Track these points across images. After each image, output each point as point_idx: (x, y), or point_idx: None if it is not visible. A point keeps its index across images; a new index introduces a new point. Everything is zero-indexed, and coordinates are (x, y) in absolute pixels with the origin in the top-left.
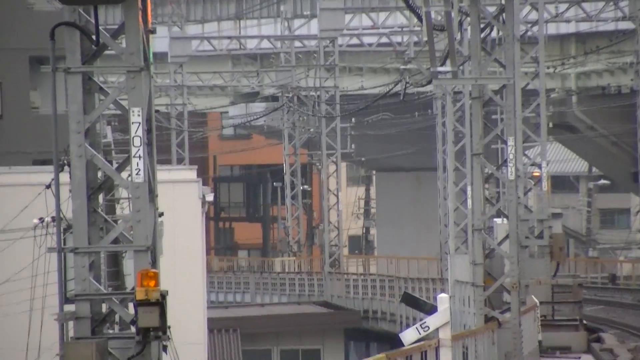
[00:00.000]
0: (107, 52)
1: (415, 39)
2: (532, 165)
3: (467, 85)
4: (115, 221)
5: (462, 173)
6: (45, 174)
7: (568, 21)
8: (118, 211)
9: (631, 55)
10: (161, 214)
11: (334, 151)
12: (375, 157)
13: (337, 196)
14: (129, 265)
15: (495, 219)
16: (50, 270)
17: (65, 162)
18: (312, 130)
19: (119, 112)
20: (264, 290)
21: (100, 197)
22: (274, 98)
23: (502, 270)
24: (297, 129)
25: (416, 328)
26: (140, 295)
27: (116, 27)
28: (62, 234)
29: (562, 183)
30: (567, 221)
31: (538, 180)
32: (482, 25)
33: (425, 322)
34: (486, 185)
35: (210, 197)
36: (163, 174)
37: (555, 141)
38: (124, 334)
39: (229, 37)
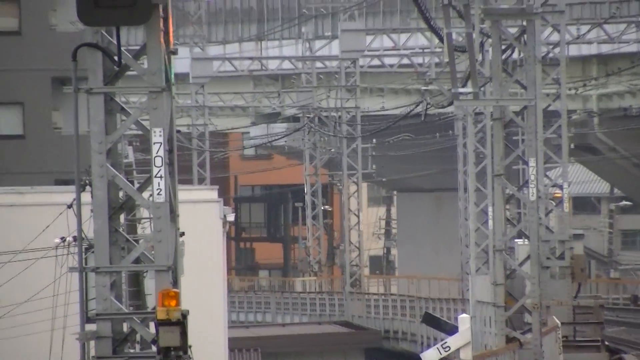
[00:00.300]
0: (129, 72)
1: (437, 60)
2: (553, 186)
3: (489, 107)
4: (137, 241)
5: (483, 194)
6: (67, 194)
7: (590, 42)
8: (139, 231)
9: None
10: (182, 234)
11: (355, 171)
12: (396, 178)
13: (357, 216)
14: (150, 285)
15: (516, 240)
16: (72, 289)
17: (87, 182)
18: (333, 150)
19: (140, 132)
20: (284, 310)
21: (122, 217)
22: (295, 118)
23: (523, 291)
24: (318, 149)
25: (437, 348)
26: (161, 315)
27: (138, 48)
28: (83, 254)
29: (583, 204)
30: (588, 242)
31: (559, 201)
32: (503, 47)
33: (446, 342)
34: (507, 206)
35: (231, 217)
36: (184, 194)
37: (577, 162)
38: (145, 354)
39: (251, 58)
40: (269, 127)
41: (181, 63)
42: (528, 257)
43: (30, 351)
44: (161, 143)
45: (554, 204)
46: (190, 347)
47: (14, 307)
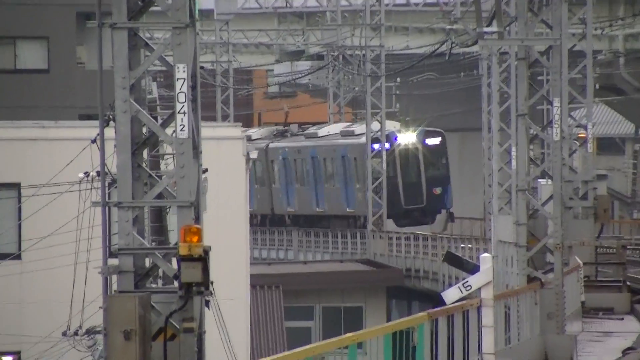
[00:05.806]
0: (153, 8)
1: None
2: (577, 126)
3: (513, 46)
4: (160, 177)
5: (507, 134)
6: (91, 129)
7: None
8: (162, 167)
9: None
10: (205, 170)
11: (379, 110)
12: (420, 117)
13: (381, 155)
14: (172, 221)
15: (539, 180)
16: (95, 224)
17: (110, 117)
18: (356, 89)
19: (164, 68)
20: (307, 247)
21: (145, 153)
22: (320, 57)
23: (545, 231)
24: (342, 87)
25: (458, 287)
26: (183, 251)
27: None
28: (106, 189)
29: (607, 145)
30: (612, 183)
31: (583, 141)
32: None
33: (467, 281)
34: (531, 146)
35: (254, 154)
36: (207, 130)
37: (602, 103)
38: (166, 289)
39: None
40: (293, 64)
41: None
42: (551, 197)
43: (55, 284)
44: (185, 79)
45: (578, 144)
46: (212, 282)
47: (38, 241)
